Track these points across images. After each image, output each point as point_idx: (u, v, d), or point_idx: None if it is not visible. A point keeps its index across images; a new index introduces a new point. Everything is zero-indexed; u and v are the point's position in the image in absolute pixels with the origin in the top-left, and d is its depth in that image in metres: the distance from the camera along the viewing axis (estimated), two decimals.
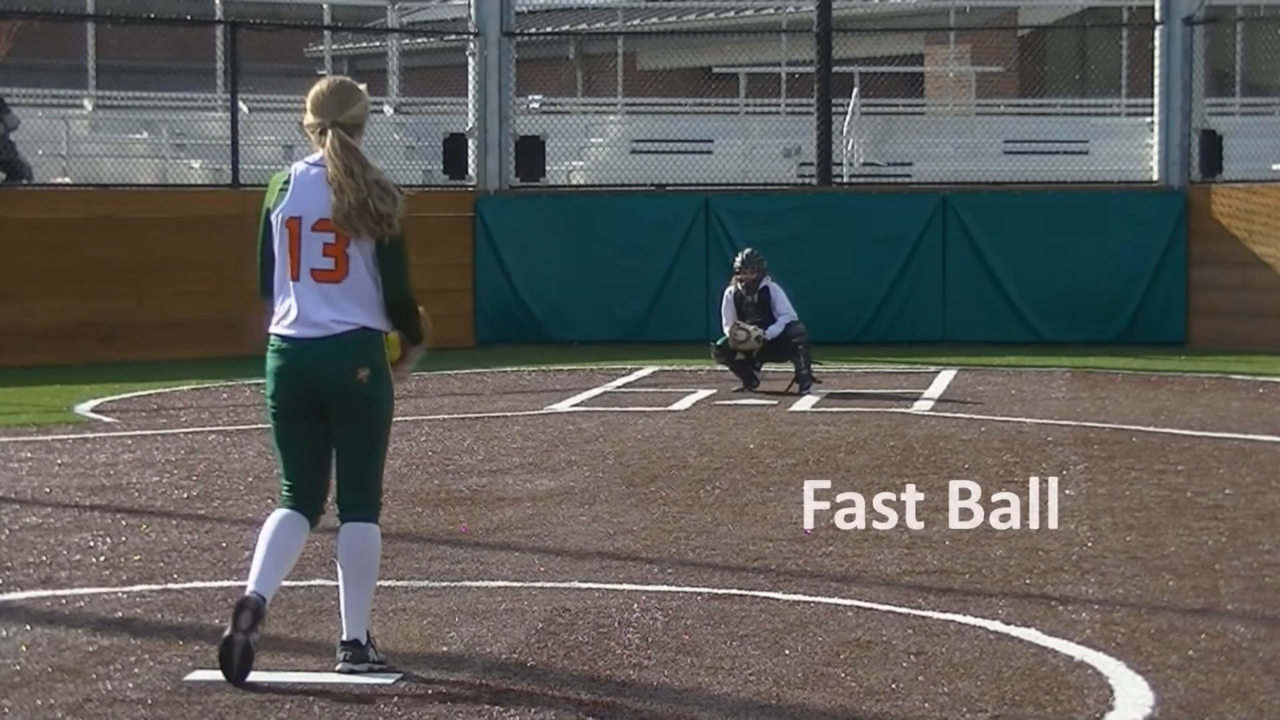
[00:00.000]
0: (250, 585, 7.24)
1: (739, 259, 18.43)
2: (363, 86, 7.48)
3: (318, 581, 9.19)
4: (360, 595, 7.36)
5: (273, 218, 7.32)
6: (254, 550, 7.37)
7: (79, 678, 7.39)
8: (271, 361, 7.34)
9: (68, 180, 24.17)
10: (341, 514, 7.39)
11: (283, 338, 7.31)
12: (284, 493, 7.42)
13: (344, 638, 7.40)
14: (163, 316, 22.17)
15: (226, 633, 7.18)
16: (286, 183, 7.34)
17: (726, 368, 18.37)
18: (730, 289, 18.32)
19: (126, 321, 21.95)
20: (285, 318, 7.30)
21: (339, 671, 7.36)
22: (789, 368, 18.14)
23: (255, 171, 24.87)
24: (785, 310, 18.07)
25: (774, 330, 18.00)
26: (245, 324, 22.48)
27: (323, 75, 32.41)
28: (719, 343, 18.29)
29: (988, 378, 19.71)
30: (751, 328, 17.97)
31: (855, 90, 27.43)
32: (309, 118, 7.32)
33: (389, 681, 7.28)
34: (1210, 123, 24.49)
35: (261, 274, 7.40)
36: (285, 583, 9.09)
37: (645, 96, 31.99)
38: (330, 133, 7.24)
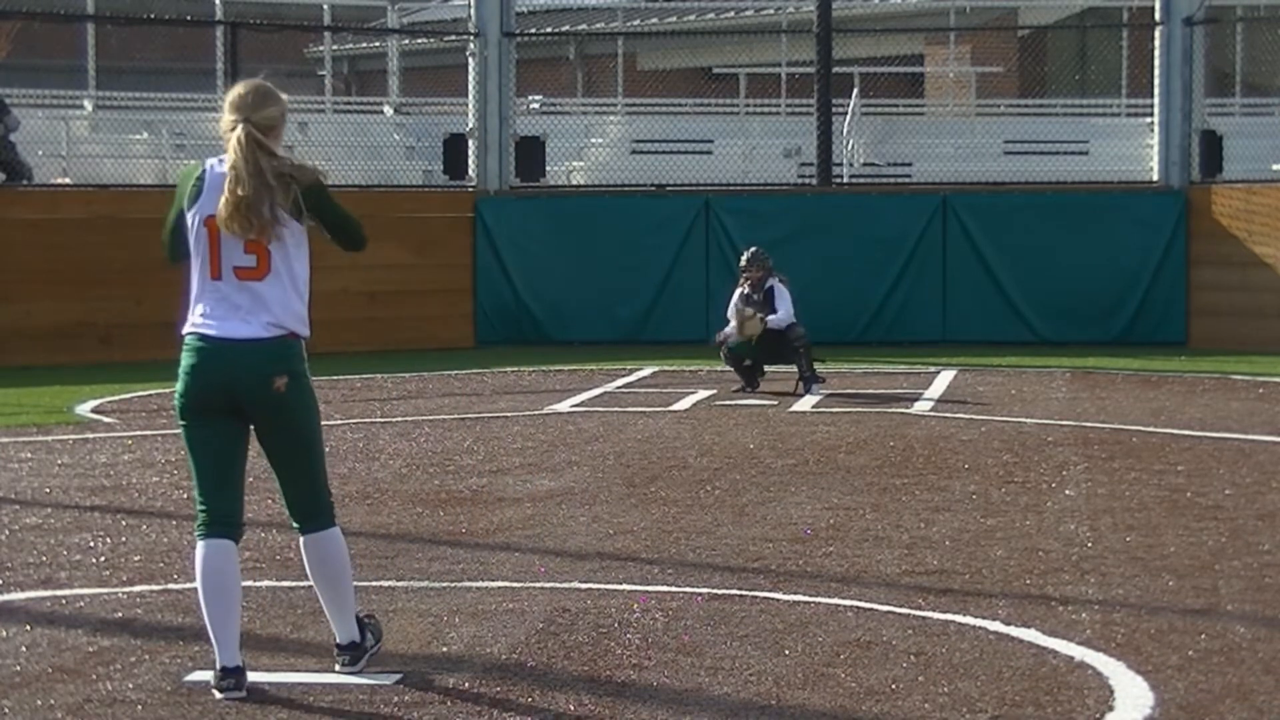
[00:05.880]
0: (219, 659, 7.08)
1: (744, 257, 18.40)
2: (284, 96, 7.34)
3: None
4: (340, 599, 7.35)
5: (188, 216, 7.21)
6: (201, 600, 7.15)
7: (79, 678, 7.39)
8: (187, 360, 7.14)
9: (68, 180, 24.17)
10: (298, 526, 7.31)
11: (201, 337, 7.12)
12: (201, 516, 7.16)
13: (338, 641, 7.42)
14: (163, 317, 21.99)
15: (217, 695, 7.08)
16: (200, 179, 7.19)
17: (732, 368, 18.37)
18: (737, 291, 18.32)
19: (126, 321, 21.93)
20: (205, 317, 7.13)
21: (339, 672, 7.38)
22: (793, 368, 18.14)
23: None
24: (786, 310, 18.05)
25: (776, 318, 17.94)
26: None
27: (322, 75, 32.42)
28: (730, 345, 18.27)
29: (988, 378, 19.71)
30: (752, 311, 17.95)
31: (855, 90, 27.44)
32: (225, 117, 7.20)
33: (389, 682, 7.28)
34: (1210, 123, 24.49)
35: (171, 240, 7.30)
36: (285, 583, 9.13)
37: (645, 97, 31.99)
38: (240, 128, 7.11)
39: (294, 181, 7.13)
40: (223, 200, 7.06)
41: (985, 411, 16.55)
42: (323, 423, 7.39)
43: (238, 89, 7.27)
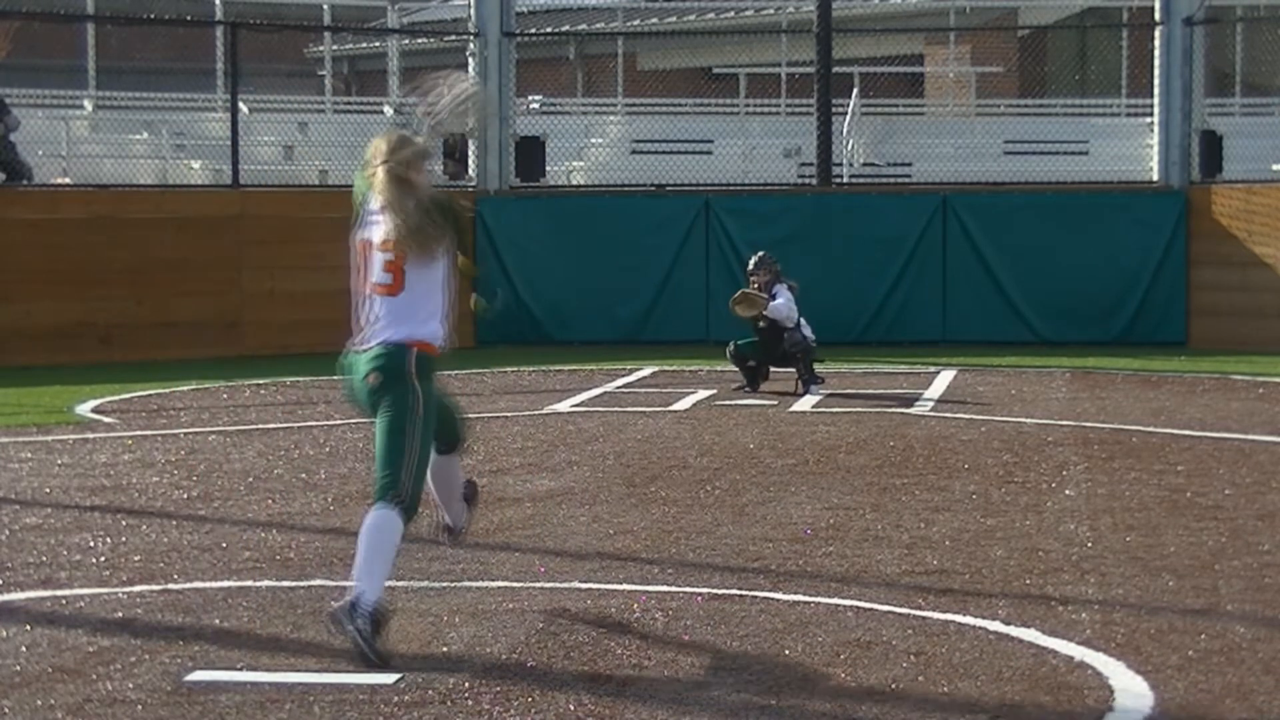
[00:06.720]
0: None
1: (752, 262, 18.38)
2: (419, 139, 8.24)
3: (318, 582, 9.20)
4: (366, 562, 7.71)
5: (351, 237, 8.09)
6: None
7: (79, 678, 7.39)
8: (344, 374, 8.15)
9: (68, 180, 24.17)
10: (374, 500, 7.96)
11: (348, 354, 8.07)
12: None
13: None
14: (163, 317, 22.16)
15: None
16: (363, 203, 8.09)
17: (736, 367, 18.37)
18: None
19: (126, 321, 21.94)
20: (357, 334, 8.04)
21: (327, 615, 7.75)
22: (793, 370, 18.14)
23: (255, 172, 24.91)
24: (786, 300, 17.94)
25: (776, 304, 17.85)
26: (244, 324, 22.70)
27: (322, 75, 32.37)
28: (739, 343, 18.27)
29: (988, 378, 19.71)
30: (756, 293, 17.95)
31: (855, 90, 27.45)
32: (370, 165, 8.05)
33: (389, 681, 7.28)
34: (1210, 123, 24.50)
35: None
36: (285, 583, 9.13)
37: (645, 97, 32.00)
38: (380, 170, 8.00)
39: (434, 206, 7.99)
40: (393, 228, 7.92)
41: (985, 411, 16.55)
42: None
43: (376, 140, 8.18)
